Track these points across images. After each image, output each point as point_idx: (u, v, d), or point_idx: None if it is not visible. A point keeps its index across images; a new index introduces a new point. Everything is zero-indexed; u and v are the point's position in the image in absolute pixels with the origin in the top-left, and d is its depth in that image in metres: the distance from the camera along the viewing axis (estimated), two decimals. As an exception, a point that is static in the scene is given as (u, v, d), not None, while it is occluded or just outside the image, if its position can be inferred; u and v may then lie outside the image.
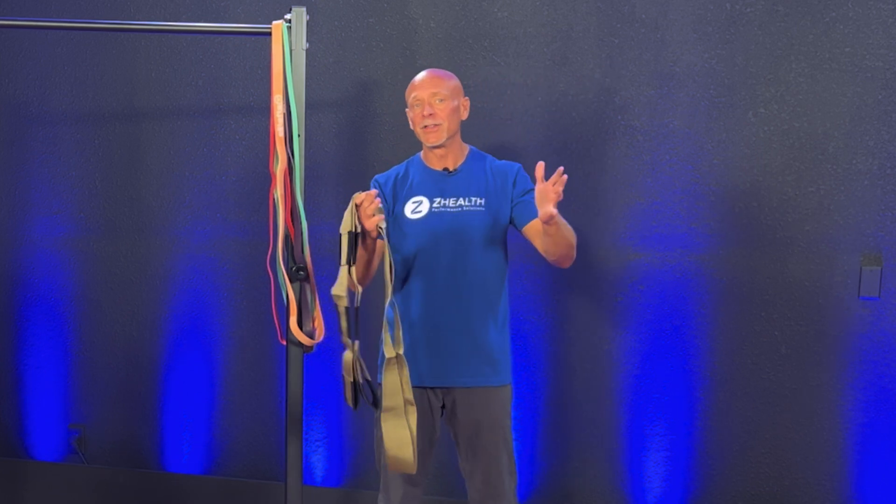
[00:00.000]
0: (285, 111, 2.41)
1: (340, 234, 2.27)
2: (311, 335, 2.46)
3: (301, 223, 2.43)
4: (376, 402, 2.35)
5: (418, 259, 2.45)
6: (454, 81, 2.51)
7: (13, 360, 3.74)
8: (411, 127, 2.52)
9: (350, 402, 2.36)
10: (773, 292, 2.98)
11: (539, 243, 2.42)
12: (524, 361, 3.20)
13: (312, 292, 2.47)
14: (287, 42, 2.44)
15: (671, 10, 3.02)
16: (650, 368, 3.09)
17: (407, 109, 2.53)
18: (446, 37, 3.23)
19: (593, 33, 3.09)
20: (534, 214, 2.40)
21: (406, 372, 2.26)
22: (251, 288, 3.46)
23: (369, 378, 2.35)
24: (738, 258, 3.00)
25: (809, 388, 2.97)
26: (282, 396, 2.52)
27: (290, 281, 2.44)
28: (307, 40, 2.47)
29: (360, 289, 2.29)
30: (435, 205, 2.47)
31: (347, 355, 2.31)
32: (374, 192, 2.25)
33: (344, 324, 2.29)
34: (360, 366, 2.32)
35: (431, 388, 2.46)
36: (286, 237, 2.43)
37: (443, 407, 2.50)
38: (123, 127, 3.60)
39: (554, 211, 2.21)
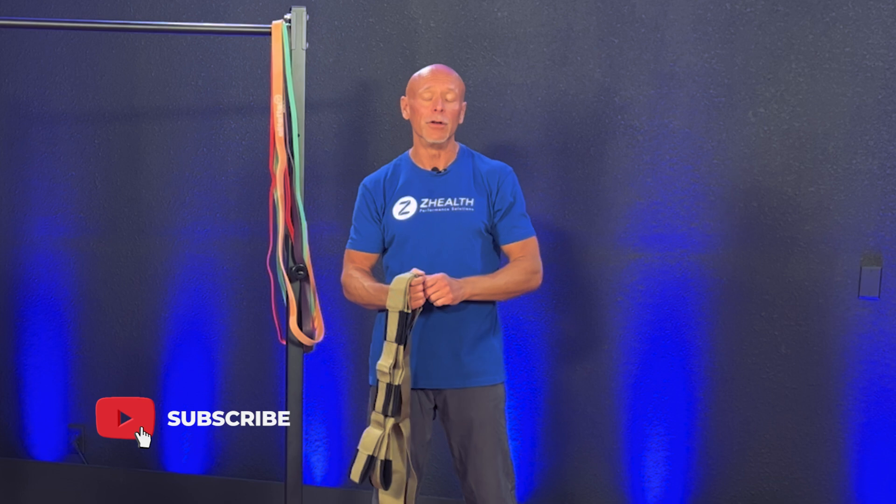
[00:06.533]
0: (285, 111, 2.41)
1: (388, 310, 2.27)
2: (310, 335, 2.45)
3: (301, 223, 2.43)
4: (387, 484, 2.30)
5: (406, 260, 2.42)
6: (462, 83, 2.47)
7: (13, 360, 3.74)
8: (406, 117, 2.47)
9: (357, 476, 2.27)
10: (773, 292, 2.98)
11: None
12: (524, 361, 3.20)
13: (312, 292, 2.47)
14: (287, 42, 2.43)
15: (671, 10, 3.02)
16: (650, 368, 3.09)
17: (406, 98, 2.47)
18: (446, 37, 3.23)
19: (593, 33, 3.09)
20: (510, 237, 2.43)
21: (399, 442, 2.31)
22: (251, 288, 3.46)
23: (392, 458, 2.29)
24: (738, 258, 3.00)
25: (809, 388, 2.97)
26: (282, 396, 2.51)
27: (290, 281, 2.44)
28: (307, 40, 2.46)
29: (403, 369, 2.27)
30: (423, 205, 2.43)
31: (374, 431, 2.28)
32: (422, 277, 2.27)
33: (381, 399, 2.27)
34: (388, 445, 2.27)
35: (422, 389, 2.43)
36: (286, 237, 2.43)
37: (435, 408, 2.47)
38: (123, 127, 3.60)
39: (443, 302, 2.25)
